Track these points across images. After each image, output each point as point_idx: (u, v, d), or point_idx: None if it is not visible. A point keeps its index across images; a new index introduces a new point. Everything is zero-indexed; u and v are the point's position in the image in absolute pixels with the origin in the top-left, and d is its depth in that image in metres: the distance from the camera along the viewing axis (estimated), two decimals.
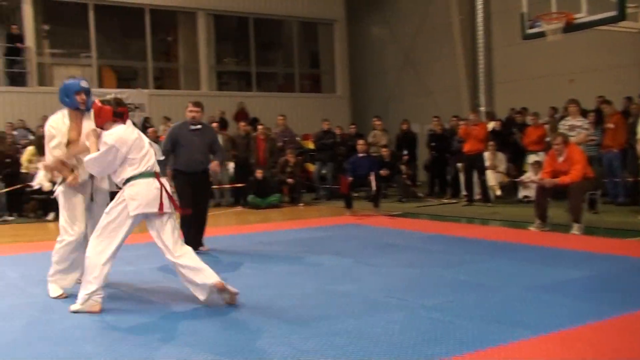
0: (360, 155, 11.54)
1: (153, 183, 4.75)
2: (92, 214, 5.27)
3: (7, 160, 11.87)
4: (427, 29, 18.70)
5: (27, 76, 15.87)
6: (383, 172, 11.38)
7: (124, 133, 4.79)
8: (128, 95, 16.49)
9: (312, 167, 15.03)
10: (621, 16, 9.13)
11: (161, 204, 4.69)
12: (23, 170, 11.42)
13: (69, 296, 5.01)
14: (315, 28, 20.70)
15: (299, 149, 15.16)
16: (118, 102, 4.95)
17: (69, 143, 5.20)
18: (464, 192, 12.19)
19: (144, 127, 15.20)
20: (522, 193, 11.87)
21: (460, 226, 9.28)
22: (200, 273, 4.68)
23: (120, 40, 18.80)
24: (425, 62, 18.95)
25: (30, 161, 11.21)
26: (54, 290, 5.19)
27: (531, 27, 10.39)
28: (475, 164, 11.55)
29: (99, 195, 5.34)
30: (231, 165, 13.57)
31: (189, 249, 4.82)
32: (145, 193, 4.68)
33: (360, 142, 11.92)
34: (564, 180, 7.94)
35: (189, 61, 18.67)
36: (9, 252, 7.78)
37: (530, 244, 7.25)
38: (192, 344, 3.81)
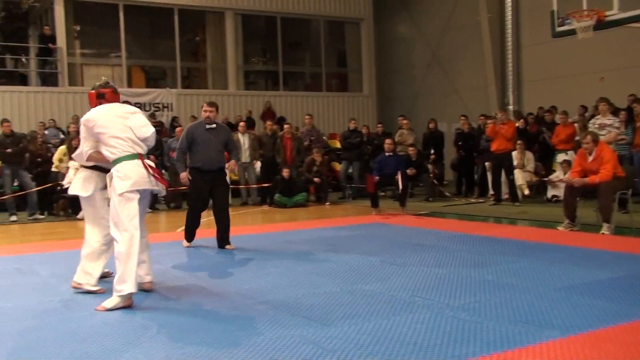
0: (387, 154, 11.52)
1: (138, 163, 4.83)
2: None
3: (39, 159, 12.09)
4: (454, 27, 18.59)
5: (58, 76, 16.13)
6: (410, 171, 11.35)
7: (96, 111, 4.96)
8: (157, 94, 16.69)
9: (338, 166, 15.04)
10: None
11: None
12: (54, 169, 11.59)
13: (106, 292, 5.03)
14: (342, 27, 20.68)
15: (325, 148, 15.19)
16: (102, 85, 5.16)
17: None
18: (491, 192, 12.09)
19: (172, 126, 15.36)
20: (550, 193, 11.73)
21: (487, 226, 9.21)
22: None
23: (149, 40, 19.04)
24: (452, 61, 18.83)
25: (61, 160, 11.36)
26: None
27: (561, 25, 10.28)
28: (503, 163, 11.46)
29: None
30: (258, 164, 13.62)
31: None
32: (134, 172, 4.78)
33: (388, 141, 11.90)
34: (593, 179, 7.83)
35: (217, 61, 18.81)
36: (40, 250, 7.92)
37: (559, 244, 7.16)
38: (218, 342, 3.84)
